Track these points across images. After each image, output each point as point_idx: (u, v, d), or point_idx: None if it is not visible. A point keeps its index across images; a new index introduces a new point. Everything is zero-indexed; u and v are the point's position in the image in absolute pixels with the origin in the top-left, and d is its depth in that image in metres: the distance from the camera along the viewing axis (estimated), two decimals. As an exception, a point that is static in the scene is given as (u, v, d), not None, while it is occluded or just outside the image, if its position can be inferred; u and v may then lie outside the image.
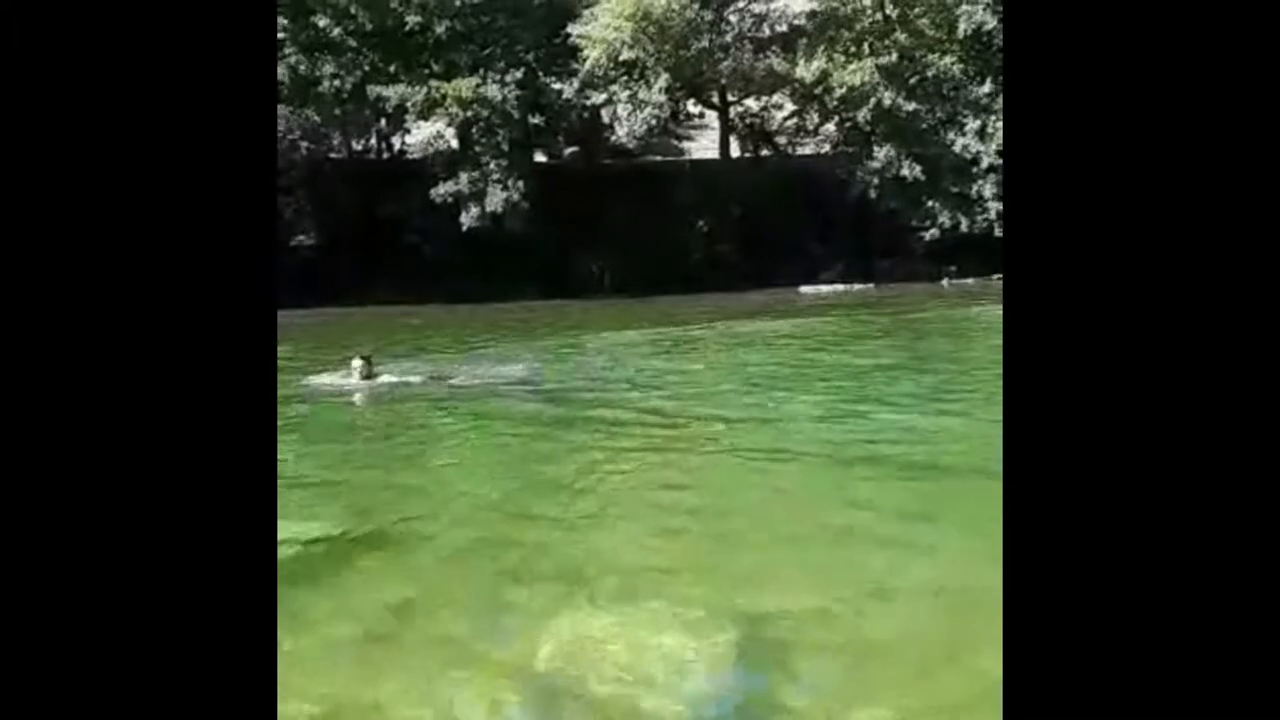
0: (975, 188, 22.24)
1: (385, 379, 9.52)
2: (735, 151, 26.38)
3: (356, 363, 9.43)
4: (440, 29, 22.53)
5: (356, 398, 9.23)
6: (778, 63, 23.06)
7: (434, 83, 22.42)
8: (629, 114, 23.31)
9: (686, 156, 27.15)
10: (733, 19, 24.58)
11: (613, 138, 24.46)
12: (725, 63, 23.34)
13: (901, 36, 22.85)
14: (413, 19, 22.42)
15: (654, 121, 23.59)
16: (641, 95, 23.04)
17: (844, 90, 22.42)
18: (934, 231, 22.65)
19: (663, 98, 23.14)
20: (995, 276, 20.28)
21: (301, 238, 23.23)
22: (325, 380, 9.51)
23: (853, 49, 23.12)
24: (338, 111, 23.86)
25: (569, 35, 22.64)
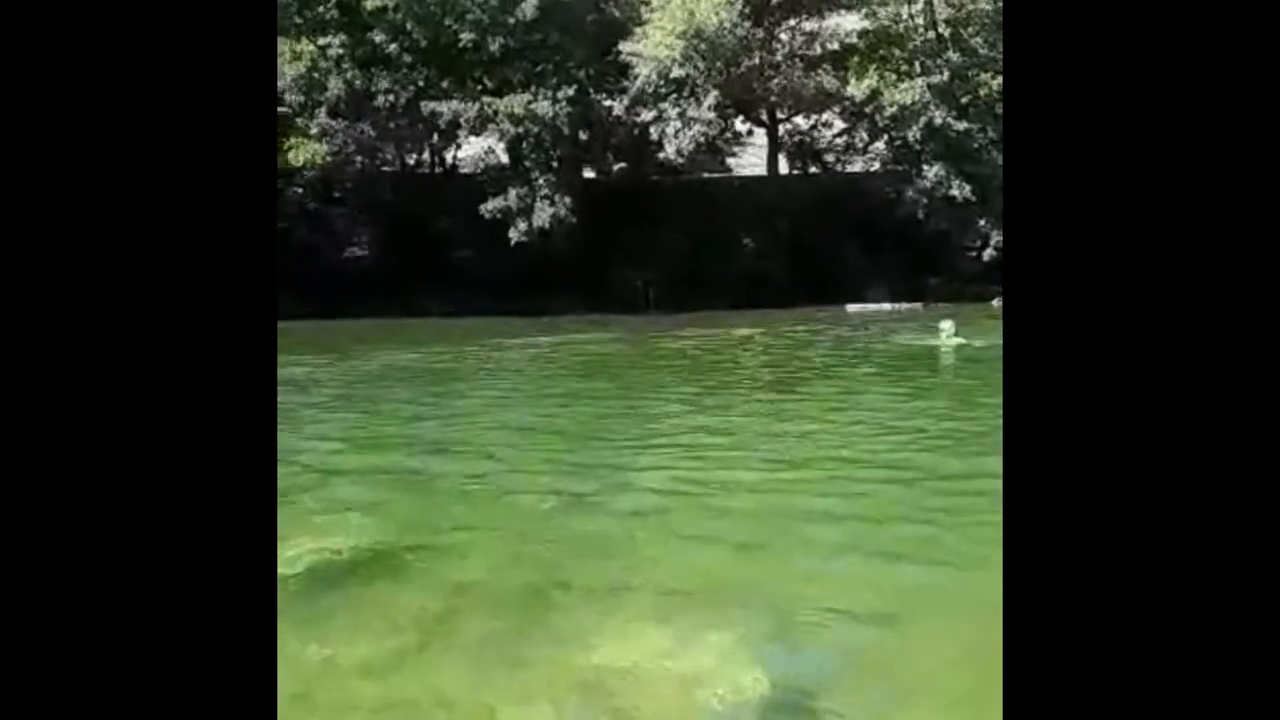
0: (1027, 208, 21.87)
1: None
2: (784, 169, 26.36)
3: None
4: (494, 46, 22.86)
5: None
6: (828, 80, 23.01)
7: (486, 99, 22.74)
8: (678, 131, 23.39)
9: (734, 173, 27.19)
10: (784, 37, 24.62)
11: (661, 154, 24.57)
12: (775, 80, 23.35)
13: (954, 56, 22.66)
14: (467, 36, 22.78)
15: (703, 138, 23.64)
16: (691, 112, 23.12)
17: (894, 109, 22.28)
18: (990, 251, 22.38)
19: (712, 115, 23.19)
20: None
21: (354, 249, 23.69)
22: None
23: (904, 68, 22.99)
24: (391, 125, 24.29)
25: (620, 53, 22.81)
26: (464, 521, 5.34)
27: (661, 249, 23.14)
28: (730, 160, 27.19)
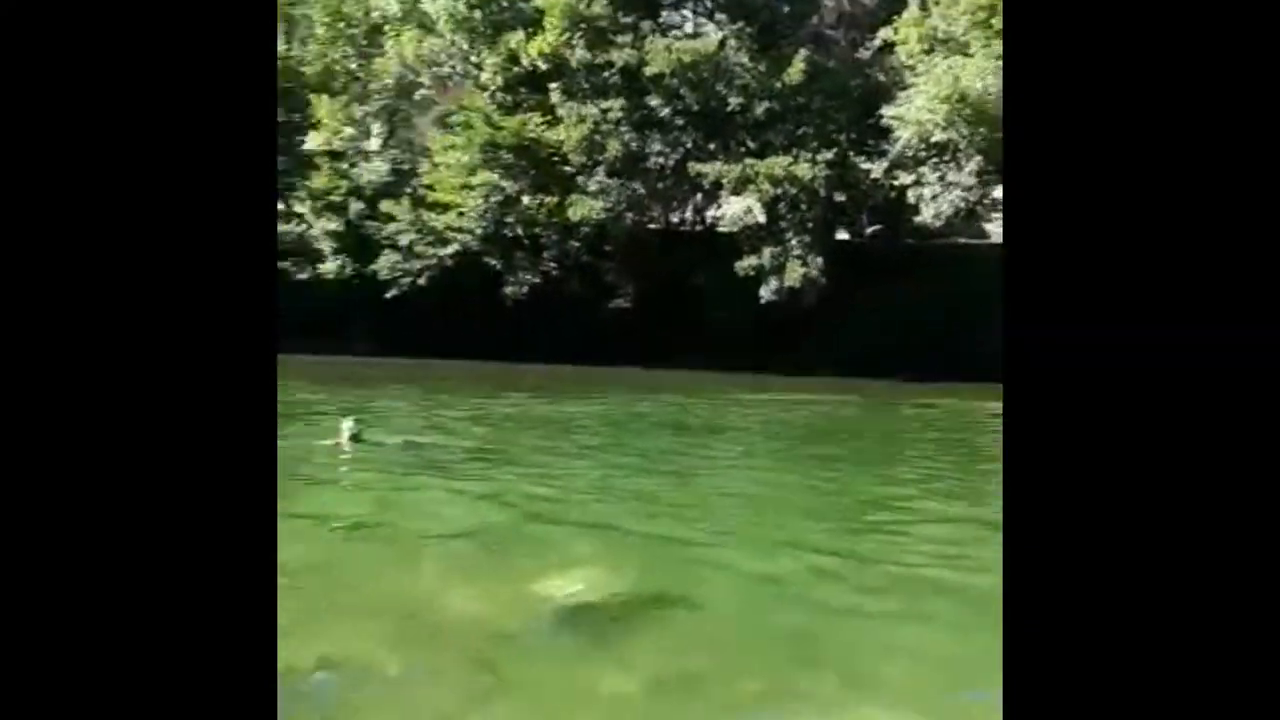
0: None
1: (375, 441, 10.03)
2: (1048, 234, 25.47)
3: (345, 425, 9.86)
4: (759, 110, 24.09)
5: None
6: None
7: (749, 160, 23.94)
8: (936, 195, 23.43)
9: (990, 240, 26.64)
10: (1054, 101, 23.98)
11: (917, 218, 24.62)
12: (1042, 146, 22.79)
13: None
14: (735, 100, 24.18)
15: (961, 203, 23.54)
16: (951, 177, 23.14)
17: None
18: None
19: (973, 180, 23.07)
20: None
21: (619, 300, 25.62)
22: (325, 441, 9.92)
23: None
24: (660, 185, 26.06)
25: (882, 116, 23.22)
26: (661, 589, 5.37)
27: (912, 313, 23.21)
28: (988, 226, 26.68)
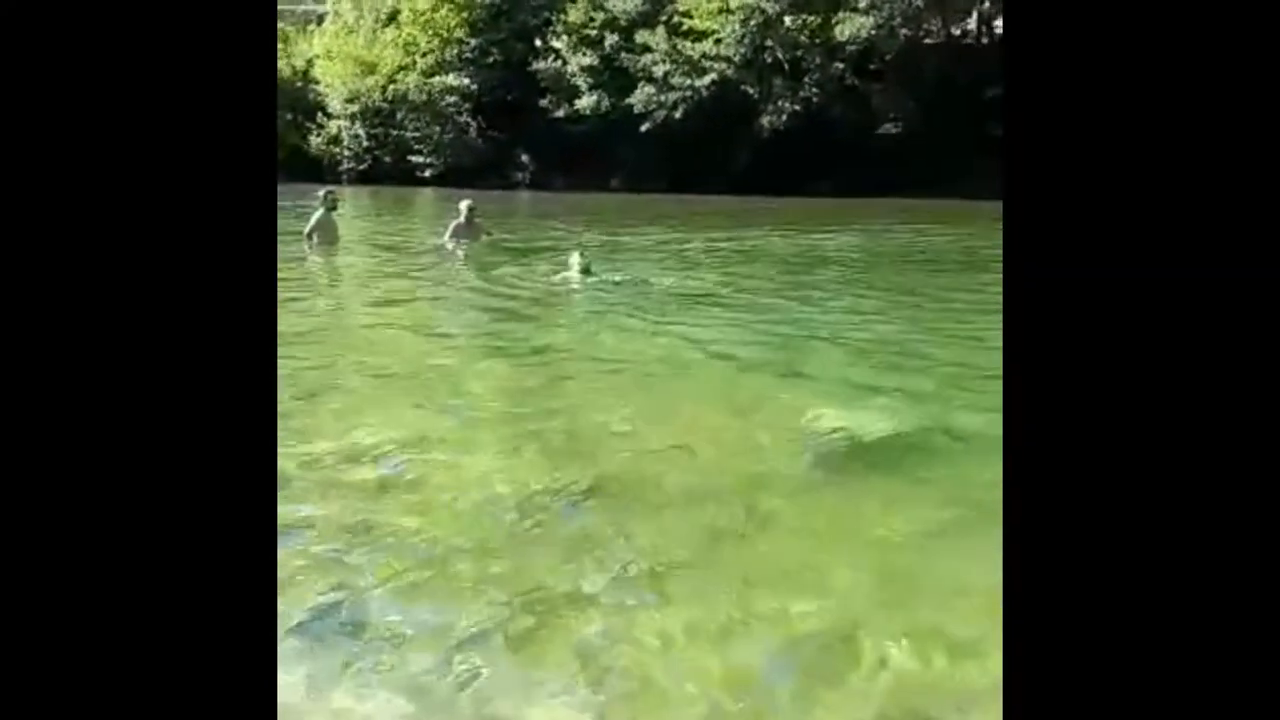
0: None
1: (604, 276, 9.52)
2: None
3: (574, 259, 9.52)
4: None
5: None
6: None
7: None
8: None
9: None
10: None
11: None
12: None
13: None
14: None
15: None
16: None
17: None
18: None
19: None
20: None
21: (887, 126, 23.46)
22: (556, 276, 9.57)
23: None
24: (941, -8, 23.21)
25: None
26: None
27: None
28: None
